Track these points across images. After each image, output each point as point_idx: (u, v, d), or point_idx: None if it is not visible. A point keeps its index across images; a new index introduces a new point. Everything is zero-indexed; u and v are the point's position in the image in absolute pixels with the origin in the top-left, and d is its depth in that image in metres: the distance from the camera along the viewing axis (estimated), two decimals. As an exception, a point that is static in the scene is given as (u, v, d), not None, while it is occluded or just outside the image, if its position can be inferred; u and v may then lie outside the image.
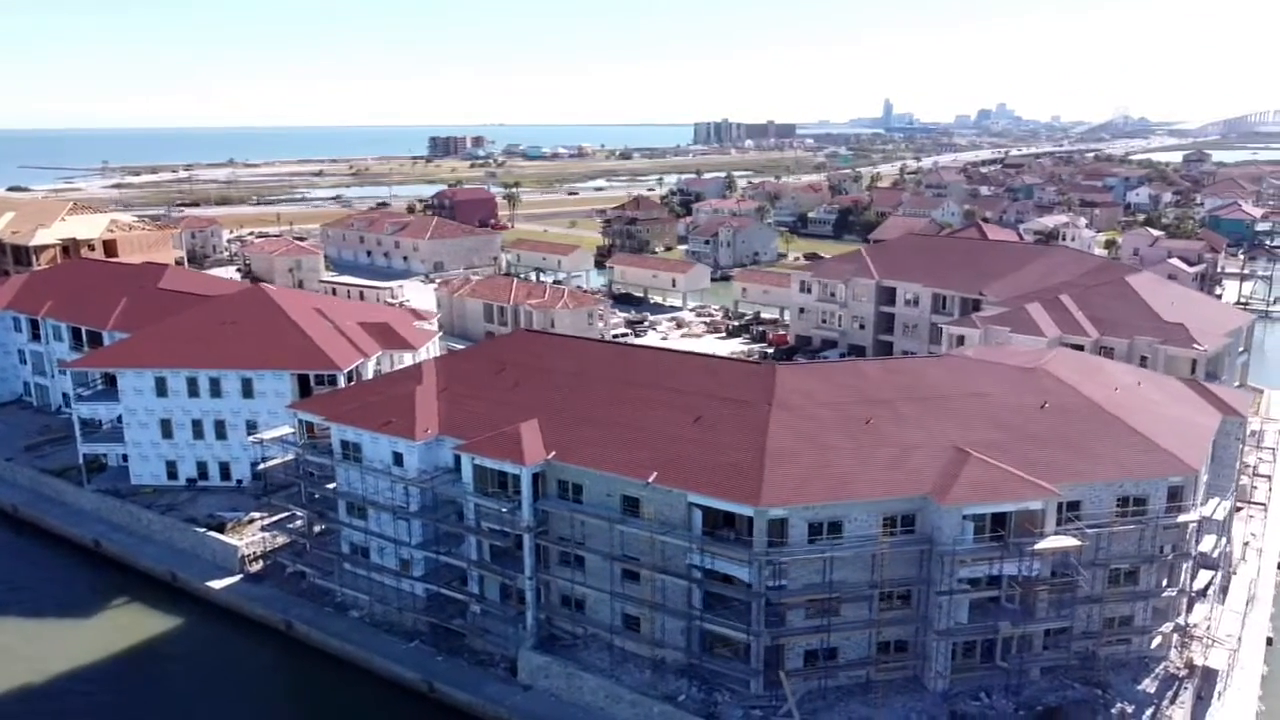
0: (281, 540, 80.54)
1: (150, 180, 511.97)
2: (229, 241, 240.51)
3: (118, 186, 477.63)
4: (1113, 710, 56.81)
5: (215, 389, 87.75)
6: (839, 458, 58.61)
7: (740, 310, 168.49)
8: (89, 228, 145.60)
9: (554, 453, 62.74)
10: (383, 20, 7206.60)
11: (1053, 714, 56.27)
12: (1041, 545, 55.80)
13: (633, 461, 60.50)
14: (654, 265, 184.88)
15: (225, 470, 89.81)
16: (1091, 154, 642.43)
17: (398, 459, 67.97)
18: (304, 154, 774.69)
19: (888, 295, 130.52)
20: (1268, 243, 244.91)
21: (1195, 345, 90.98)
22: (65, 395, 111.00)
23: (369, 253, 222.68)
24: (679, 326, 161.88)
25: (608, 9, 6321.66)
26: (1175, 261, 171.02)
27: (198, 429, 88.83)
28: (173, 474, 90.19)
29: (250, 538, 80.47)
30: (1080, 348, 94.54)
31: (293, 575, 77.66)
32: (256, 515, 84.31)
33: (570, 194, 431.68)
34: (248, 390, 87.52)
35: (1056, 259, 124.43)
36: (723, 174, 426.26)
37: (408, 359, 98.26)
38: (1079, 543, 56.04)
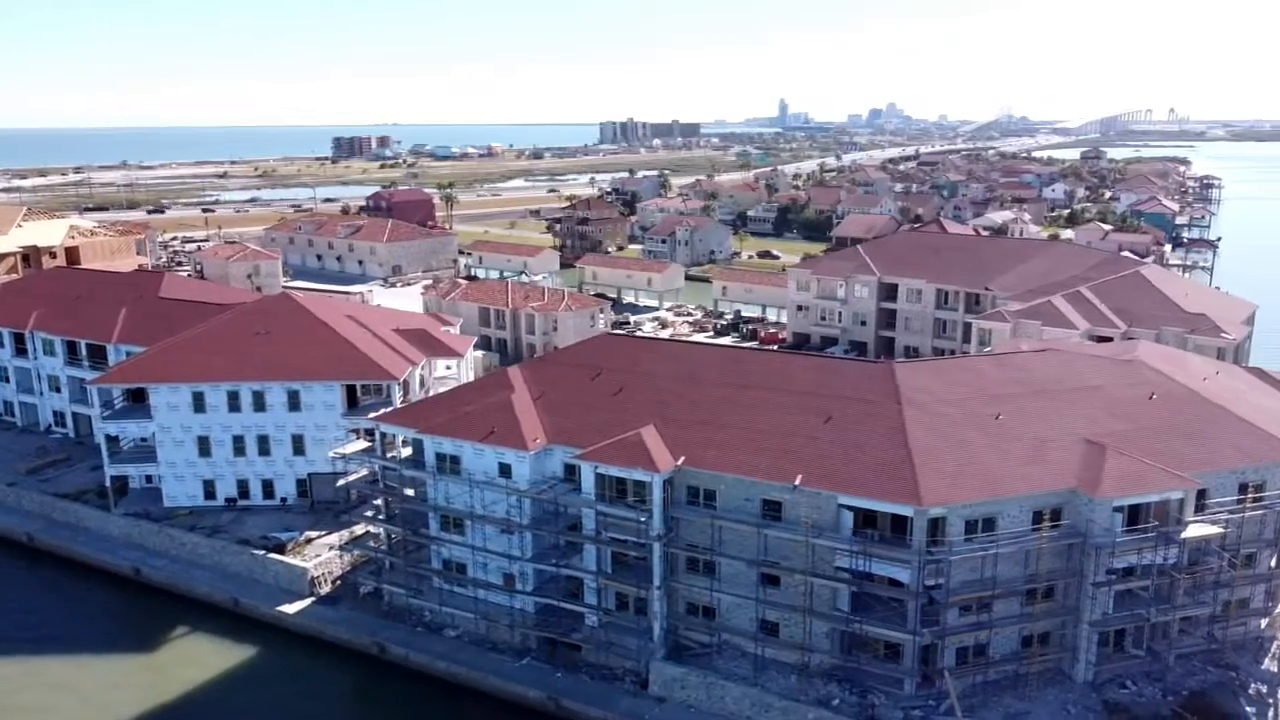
0: (348, 559, 76.89)
1: (42, 184, 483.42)
2: (162, 245, 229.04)
3: (7, 191, 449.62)
4: (1249, 691, 58.54)
5: (259, 403, 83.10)
6: (981, 454, 58.85)
7: (719, 309, 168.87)
8: (49, 234, 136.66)
9: (683, 458, 61.32)
10: (270, 20, 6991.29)
11: (1198, 698, 57.63)
12: (1189, 533, 57.11)
13: (771, 465, 59.58)
14: (627, 265, 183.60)
15: (268, 488, 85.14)
16: (990, 151, 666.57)
17: (504, 470, 65.43)
18: (197, 155, 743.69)
19: (889, 291, 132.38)
20: (1184, 235, 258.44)
21: (1223, 334, 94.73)
22: (57, 414, 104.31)
23: (319, 256, 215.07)
24: (663, 326, 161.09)
25: (506, 9, 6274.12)
26: (1127, 254, 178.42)
27: (239, 445, 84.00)
28: (210, 494, 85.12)
29: (317, 558, 76.41)
30: (1109, 339, 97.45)
31: (369, 596, 74.14)
32: (313, 534, 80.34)
33: (494, 195, 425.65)
34: (294, 403, 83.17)
35: (1057, 253, 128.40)
36: (654, 172, 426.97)
37: (439, 367, 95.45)
38: (1221, 530, 57.55)
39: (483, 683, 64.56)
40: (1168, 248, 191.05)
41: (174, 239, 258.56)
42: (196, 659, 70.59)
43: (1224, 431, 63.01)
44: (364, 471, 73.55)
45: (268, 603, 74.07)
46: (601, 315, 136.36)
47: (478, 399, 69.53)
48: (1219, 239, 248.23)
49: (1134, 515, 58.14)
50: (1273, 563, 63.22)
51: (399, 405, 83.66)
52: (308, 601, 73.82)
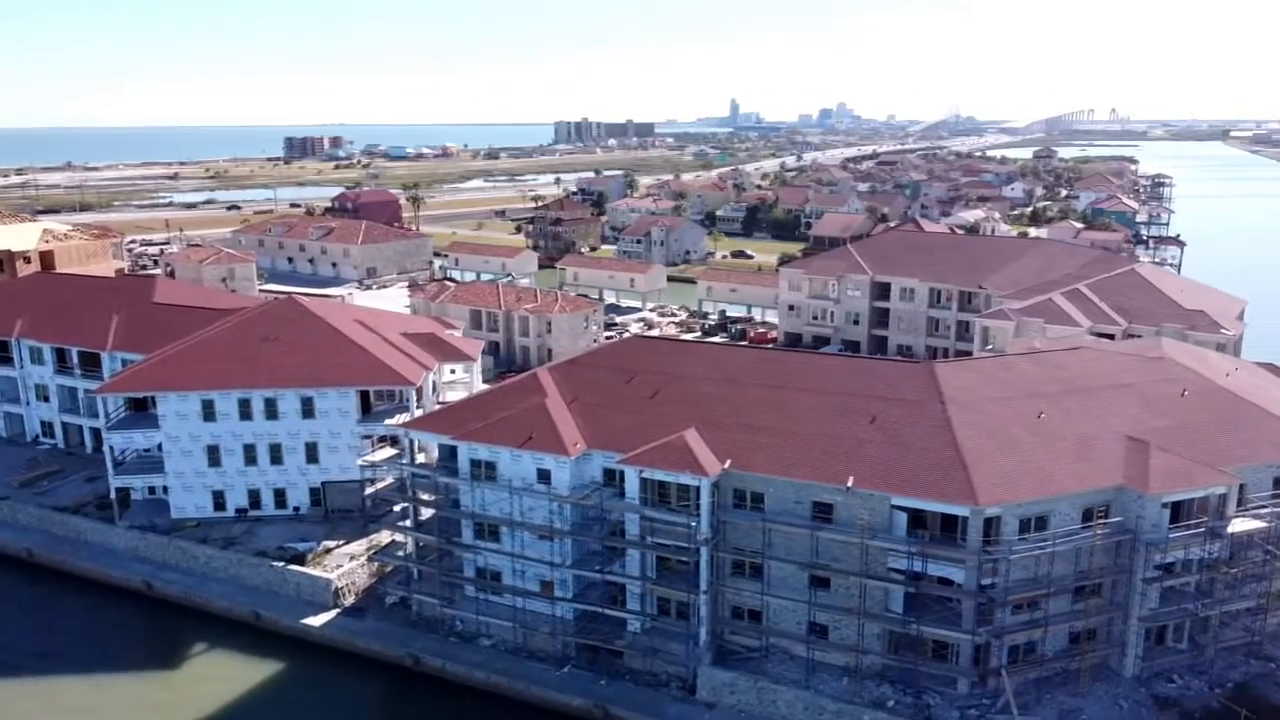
0: (371, 569, 75.27)
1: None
2: (125, 249, 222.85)
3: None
4: (1290, 681, 59.59)
5: (271, 410, 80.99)
6: (1030, 453, 59.18)
7: (704, 309, 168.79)
8: (21, 238, 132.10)
9: (729, 461, 60.85)
10: (211, 18, 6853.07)
11: (1243, 690, 58.49)
12: (1235, 528, 57.96)
13: (821, 466, 59.36)
14: (610, 266, 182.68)
15: (280, 498, 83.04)
16: (944, 150, 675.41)
17: (542, 476, 64.41)
18: (144, 156, 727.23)
19: (881, 290, 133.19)
20: (1144, 233, 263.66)
21: (1223, 330, 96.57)
22: (45, 424, 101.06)
23: (290, 259, 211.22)
24: (649, 327, 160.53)
25: (454, 8, 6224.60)
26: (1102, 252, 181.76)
27: (250, 454, 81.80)
28: (220, 505, 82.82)
29: (339, 568, 74.66)
30: (1111, 336, 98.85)
31: (395, 606, 72.68)
32: (331, 544, 78.53)
33: (455, 195, 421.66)
34: (308, 410, 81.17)
35: (1048, 252, 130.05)
36: (619, 172, 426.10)
37: (447, 371, 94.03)
38: (1266, 524, 58.48)
39: (525, 692, 63.49)
40: (1140, 246, 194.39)
41: (133, 242, 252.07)
42: (219, 675, 68.59)
43: (1257, 426, 64.12)
44: (390, 479, 71.95)
45: (290, 615, 72.21)
46: (595, 317, 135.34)
47: (510, 404, 68.34)
48: (1177, 235, 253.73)
49: (1175, 511, 58.83)
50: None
51: (416, 411, 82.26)
52: (332, 613, 72.10)
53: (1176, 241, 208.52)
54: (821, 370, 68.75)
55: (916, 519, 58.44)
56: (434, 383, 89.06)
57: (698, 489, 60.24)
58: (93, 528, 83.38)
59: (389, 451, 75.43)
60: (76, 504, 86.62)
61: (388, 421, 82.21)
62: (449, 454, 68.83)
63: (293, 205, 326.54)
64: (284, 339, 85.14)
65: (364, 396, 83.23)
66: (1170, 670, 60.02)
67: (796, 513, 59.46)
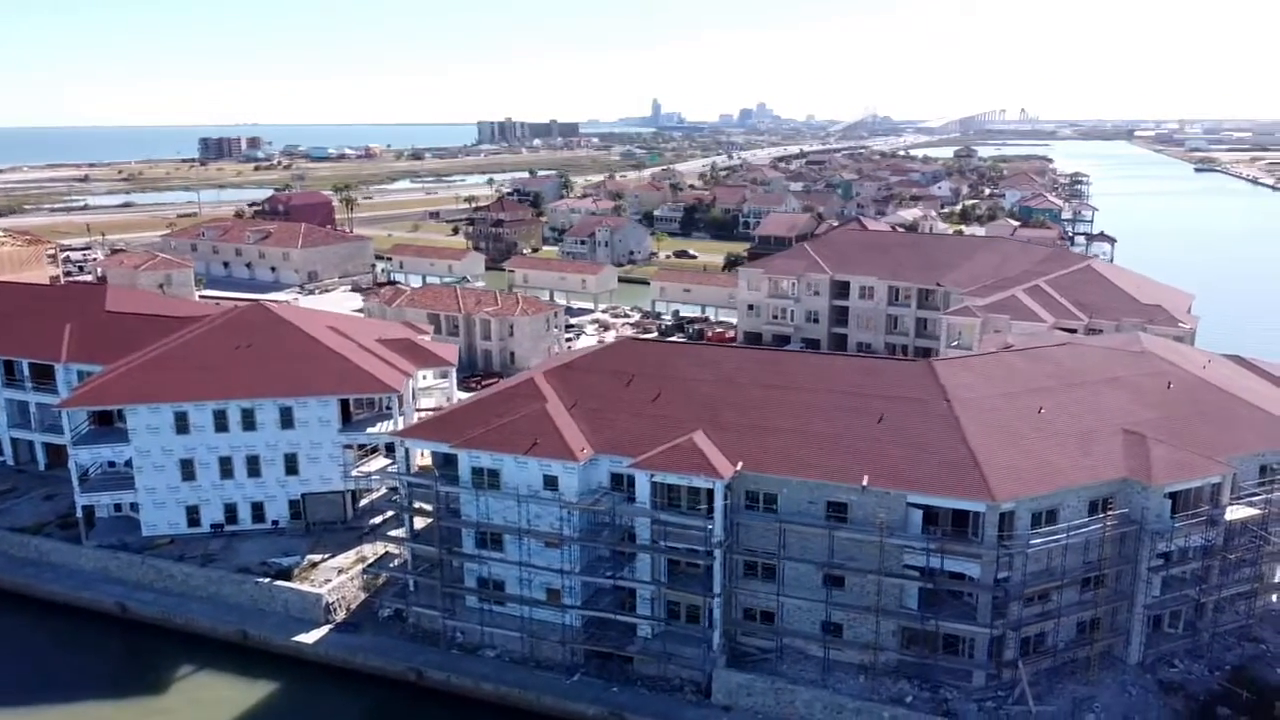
0: (361, 582, 73.31)
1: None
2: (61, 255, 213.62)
3: None
4: (1282, 661, 61.89)
5: (248, 421, 78.25)
6: (1036, 447, 60.28)
7: (656, 309, 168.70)
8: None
9: (741, 463, 60.71)
10: (117, 16, 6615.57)
11: (1241, 672, 60.46)
12: (1232, 515, 59.90)
13: (835, 466, 59.60)
14: (561, 267, 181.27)
15: (258, 511, 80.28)
16: (867, 150, 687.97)
17: (548, 482, 63.40)
18: (48, 158, 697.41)
19: (840, 289, 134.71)
20: (1069, 230, 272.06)
21: (1180, 324, 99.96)
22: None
23: (226, 264, 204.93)
24: (604, 329, 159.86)
25: (374, 11, 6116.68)
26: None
27: (226, 467, 78.90)
28: (194, 520, 79.72)
29: (329, 583, 72.41)
30: (1073, 331, 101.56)
31: (389, 619, 70.84)
32: (316, 557, 76.17)
33: (382, 197, 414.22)
34: (287, 420, 78.63)
35: (1003, 250, 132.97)
36: (553, 172, 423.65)
37: (420, 377, 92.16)
38: (1260, 511, 60.59)
39: (536, 703, 62.45)
40: (1070, 243, 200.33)
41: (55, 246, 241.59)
42: (209, 698, 66.06)
43: (1240, 416, 66.37)
44: (382, 489, 70.11)
45: (280, 633, 69.81)
46: (556, 320, 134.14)
47: (509, 409, 67.12)
48: (1101, 232, 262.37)
49: (1174, 501, 60.48)
50: (1282, 539, 66.90)
51: (399, 418, 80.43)
52: (325, 630, 69.91)
53: (1108, 239, 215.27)
54: (821, 369, 69.08)
55: (930, 515, 59.03)
56: (413, 389, 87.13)
57: (710, 492, 59.96)
58: (56, 548, 79.50)
59: (378, 461, 73.22)
60: (37, 524, 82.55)
61: (371, 430, 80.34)
62: (443, 461, 67.44)
63: (237, 213, 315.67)
64: (258, 347, 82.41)
65: (343, 405, 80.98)
66: (1171, 656, 61.77)
67: (811, 513, 59.59)
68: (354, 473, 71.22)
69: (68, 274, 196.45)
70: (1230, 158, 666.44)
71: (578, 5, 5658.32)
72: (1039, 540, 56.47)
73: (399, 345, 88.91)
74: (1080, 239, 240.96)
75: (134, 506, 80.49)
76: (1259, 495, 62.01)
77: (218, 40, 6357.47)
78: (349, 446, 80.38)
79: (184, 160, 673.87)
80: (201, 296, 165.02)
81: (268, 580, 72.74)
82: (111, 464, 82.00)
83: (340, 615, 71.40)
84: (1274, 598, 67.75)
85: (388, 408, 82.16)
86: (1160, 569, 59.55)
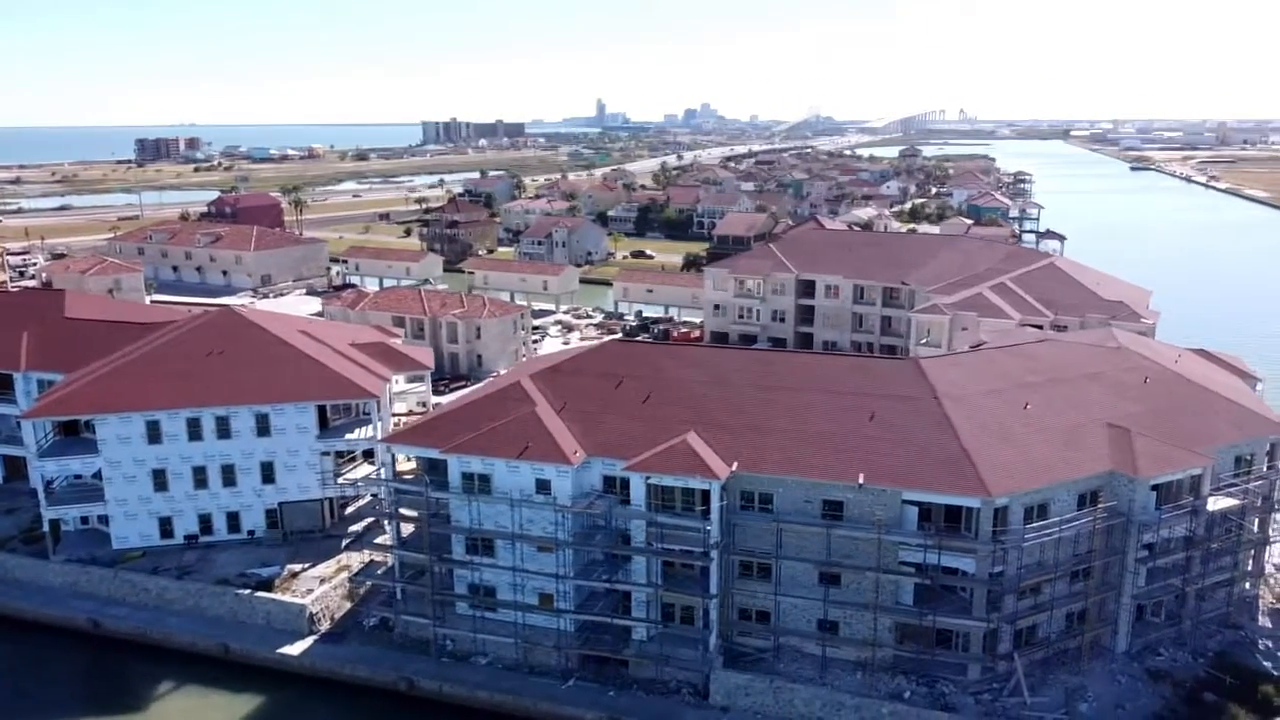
0: (343, 592, 72.00)
1: None
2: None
3: None
4: (1261, 645, 63.56)
5: (223, 429, 76.40)
6: (1026, 442, 61.18)
7: (619, 310, 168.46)
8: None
9: (736, 463, 60.71)
10: (49, 16, 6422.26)
11: (1223, 658, 62.01)
12: (1214, 506, 61.37)
13: (830, 465, 59.90)
14: (521, 269, 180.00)
15: (234, 521, 78.42)
16: (813, 150, 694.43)
17: (541, 486, 62.79)
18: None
19: (806, 288, 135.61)
20: (1016, 228, 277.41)
21: (1143, 319, 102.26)
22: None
23: (175, 268, 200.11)
24: (568, 330, 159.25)
25: (313, 11, 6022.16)
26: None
27: (200, 477, 76.93)
28: (167, 532, 77.62)
29: (311, 593, 70.96)
30: (1040, 327, 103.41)
31: (375, 628, 69.64)
32: (296, 567, 74.62)
33: (325, 199, 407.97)
34: (263, 428, 76.94)
35: (964, 248, 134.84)
36: (502, 172, 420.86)
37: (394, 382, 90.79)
38: (1240, 501, 62.17)
39: (532, 709, 61.84)
40: (1019, 240, 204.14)
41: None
42: (193, 714, 64.40)
43: (1215, 409, 68.05)
44: (367, 497, 68.92)
45: (264, 646, 68.23)
46: (523, 322, 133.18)
47: (497, 413, 66.38)
48: (1048, 230, 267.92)
49: (1158, 493, 61.82)
50: (1255, 528, 68.75)
51: (378, 425, 79.18)
52: (309, 641, 68.48)
53: (1057, 236, 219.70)
54: (811, 369, 69.40)
55: (924, 512, 59.57)
56: (389, 394, 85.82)
57: (705, 493, 59.91)
58: (21, 564, 76.86)
59: (363, 469, 71.91)
60: (-1, 539, 79.79)
61: (350, 436, 78.99)
62: (429, 466, 66.48)
63: (182, 216, 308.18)
64: (230, 353, 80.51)
65: (320, 411, 79.45)
66: (1157, 644, 63.12)
67: (807, 512, 59.82)
68: (340, 481, 69.78)
69: (11, 279, 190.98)
70: (1163, 156, 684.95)
71: (521, 7, 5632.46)
72: (1033, 534, 57.31)
73: (373, 349, 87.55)
74: (1029, 237, 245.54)
75: (102, 519, 78.14)
76: (1236, 485, 63.59)
77: (147, 43, 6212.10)
78: (327, 453, 78.94)
79: (120, 162, 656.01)
80: (153, 302, 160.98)
81: (248, 592, 71.09)
82: (78, 476, 79.48)
83: (325, 625, 70.02)
84: (1246, 585, 69.56)
85: (365, 413, 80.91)
86: (1146, 560, 60.74)
